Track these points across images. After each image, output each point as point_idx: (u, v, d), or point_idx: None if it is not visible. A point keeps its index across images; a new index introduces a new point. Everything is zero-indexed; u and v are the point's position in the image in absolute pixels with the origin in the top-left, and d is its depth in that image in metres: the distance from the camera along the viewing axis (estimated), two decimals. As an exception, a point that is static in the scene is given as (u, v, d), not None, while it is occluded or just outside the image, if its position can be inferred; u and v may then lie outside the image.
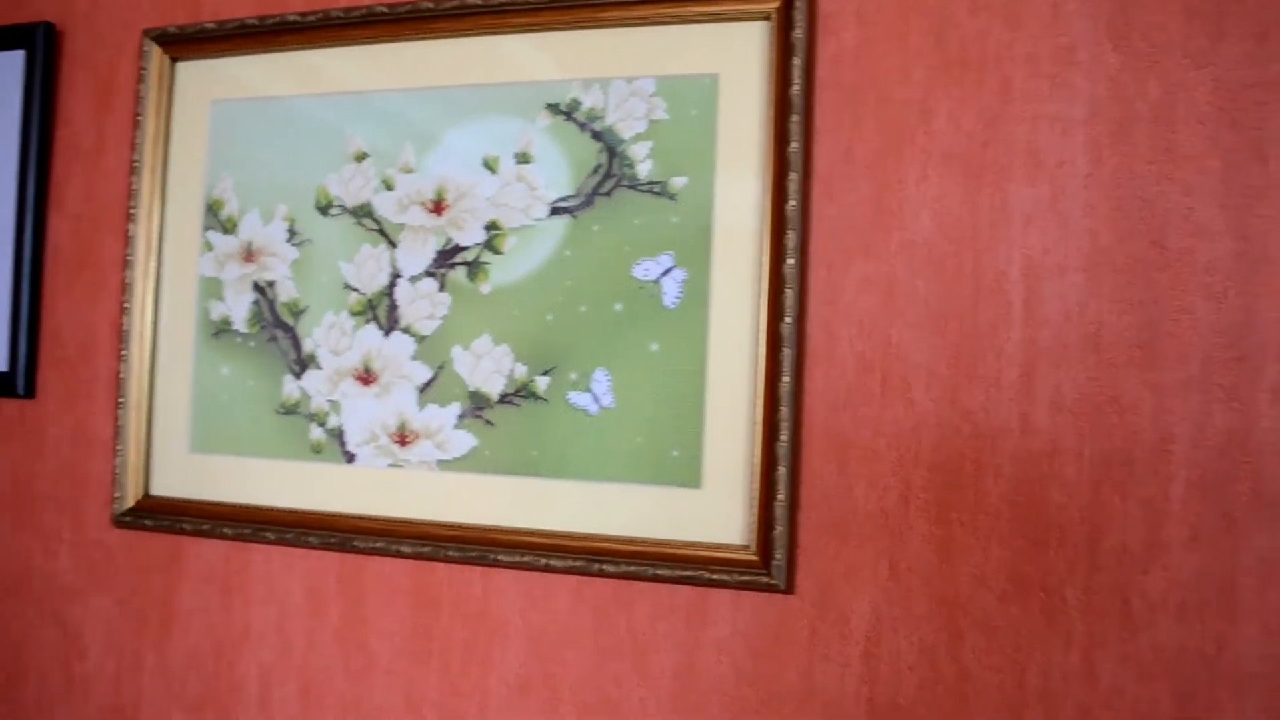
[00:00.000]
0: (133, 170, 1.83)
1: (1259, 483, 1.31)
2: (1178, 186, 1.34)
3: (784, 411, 1.44)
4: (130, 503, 1.81)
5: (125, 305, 1.82)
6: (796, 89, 1.45)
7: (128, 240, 1.83)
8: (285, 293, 1.73)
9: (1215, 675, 1.31)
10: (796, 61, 1.45)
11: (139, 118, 1.83)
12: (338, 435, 1.68)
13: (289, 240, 1.73)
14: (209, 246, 1.79)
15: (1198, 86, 1.34)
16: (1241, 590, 1.31)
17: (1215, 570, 1.32)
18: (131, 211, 1.83)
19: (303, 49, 1.74)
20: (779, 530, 1.44)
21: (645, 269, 1.52)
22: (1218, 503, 1.32)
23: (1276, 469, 1.30)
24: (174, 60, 1.82)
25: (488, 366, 1.59)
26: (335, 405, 1.69)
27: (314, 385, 1.70)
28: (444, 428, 1.62)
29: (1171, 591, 1.33)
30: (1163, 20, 1.35)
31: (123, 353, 1.82)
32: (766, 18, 1.47)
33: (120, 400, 1.81)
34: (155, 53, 1.82)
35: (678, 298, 1.50)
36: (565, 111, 1.58)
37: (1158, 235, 1.35)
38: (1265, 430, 1.31)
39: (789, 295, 1.44)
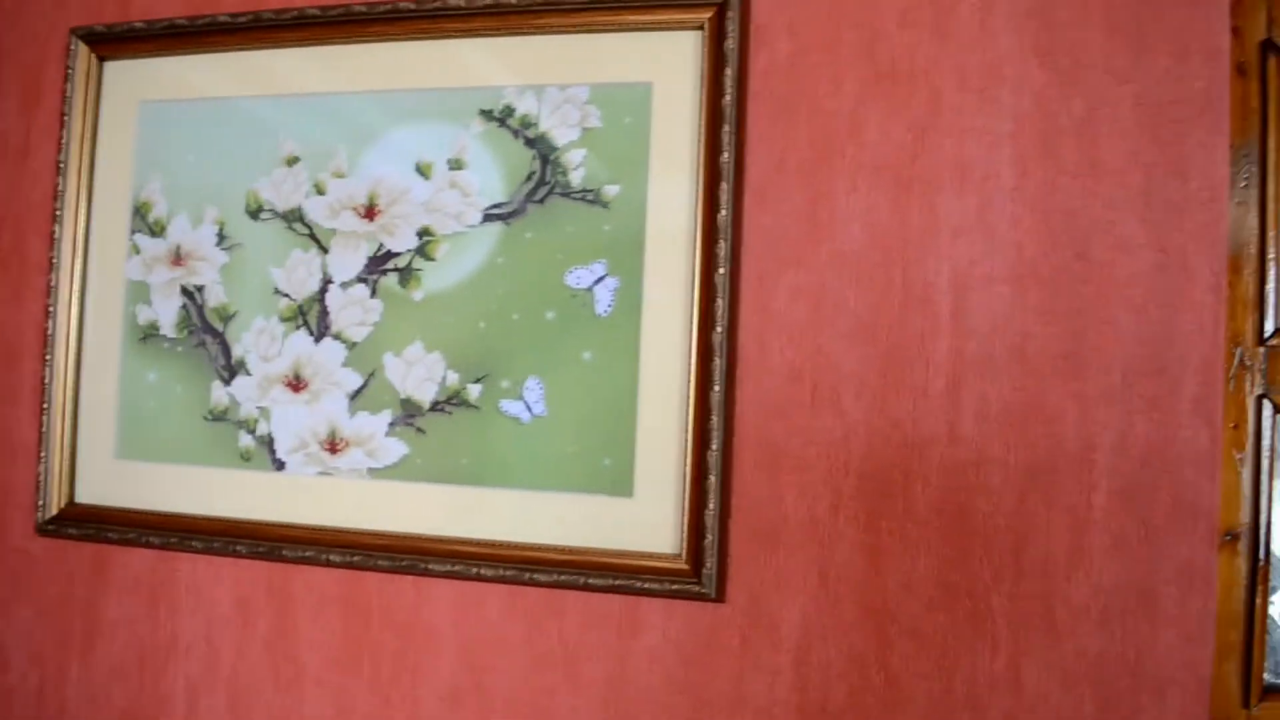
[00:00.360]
0: (59, 171, 1.80)
1: (1179, 492, 1.33)
2: (1100, 200, 1.36)
3: (715, 420, 1.44)
4: (54, 510, 1.77)
5: (50, 308, 1.79)
6: (729, 99, 1.45)
7: (53, 242, 1.79)
8: (214, 297, 1.70)
9: (1137, 681, 1.34)
10: (729, 72, 1.45)
11: (65, 117, 1.79)
12: (267, 442, 1.66)
13: (218, 244, 1.70)
14: (136, 249, 1.75)
15: (1120, 102, 1.36)
16: (1162, 598, 1.33)
17: (1136, 578, 1.34)
18: (57, 213, 1.79)
19: (234, 50, 1.71)
20: (710, 539, 1.44)
21: (578, 277, 1.52)
22: (1139, 511, 1.34)
23: (1196, 478, 1.33)
24: (102, 59, 1.79)
25: (419, 374, 1.58)
26: (265, 412, 1.66)
27: (243, 392, 1.67)
28: (375, 435, 1.60)
29: (1094, 599, 1.35)
30: (1086, 37, 1.38)
31: (47, 357, 1.78)
32: (700, 28, 1.48)
33: (44, 405, 1.78)
34: (83, 51, 1.79)
35: (610, 306, 1.50)
36: (499, 118, 1.57)
37: (1081, 248, 1.37)
38: (1184, 441, 1.33)
39: (720, 304, 1.44)
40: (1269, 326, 1.41)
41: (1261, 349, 1.41)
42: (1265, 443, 1.40)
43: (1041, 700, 1.36)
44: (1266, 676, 1.40)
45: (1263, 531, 1.39)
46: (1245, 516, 1.39)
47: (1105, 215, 1.36)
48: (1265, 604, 1.40)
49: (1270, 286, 1.42)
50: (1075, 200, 1.37)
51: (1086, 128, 1.37)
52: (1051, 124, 1.39)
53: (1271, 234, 1.42)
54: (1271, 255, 1.42)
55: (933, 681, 1.39)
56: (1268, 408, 1.40)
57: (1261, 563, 1.39)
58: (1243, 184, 1.41)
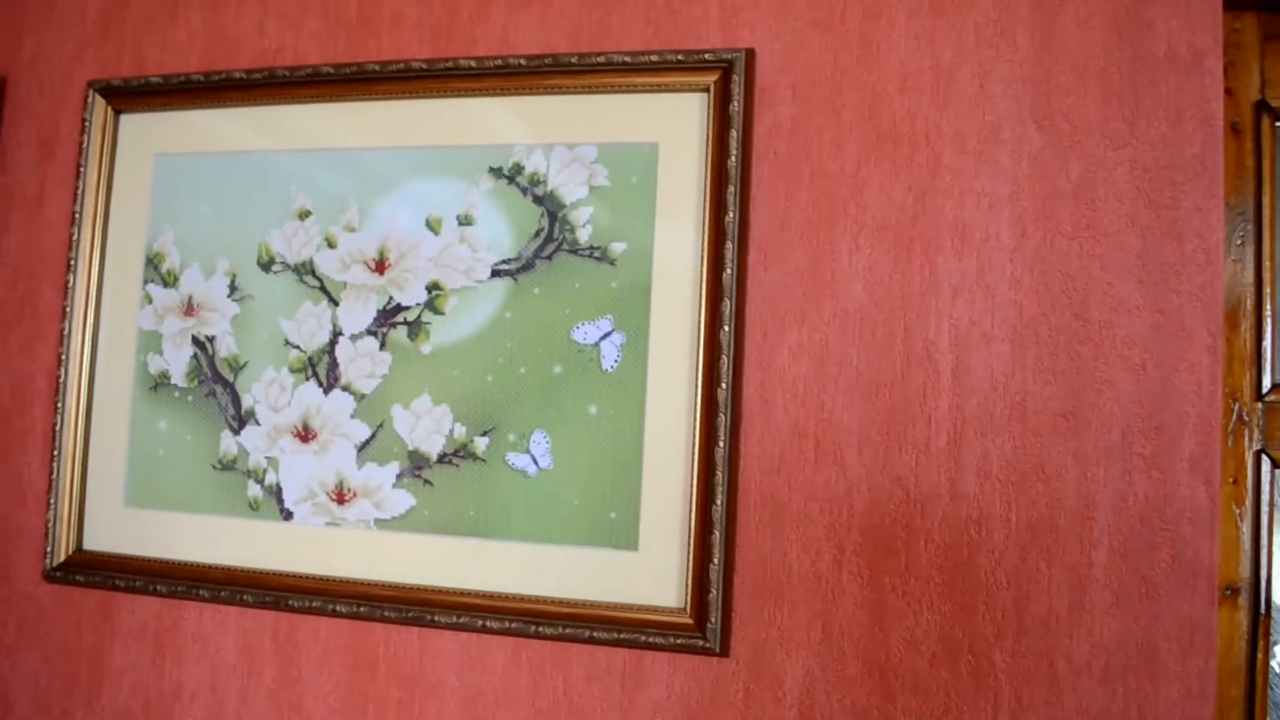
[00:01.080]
0: (73, 221, 1.82)
1: (1178, 549, 1.35)
2: (1098, 262, 1.39)
3: (719, 475, 1.46)
4: (62, 557, 1.78)
5: (62, 357, 1.81)
6: (734, 160, 1.48)
7: (66, 291, 1.82)
8: (225, 348, 1.72)
9: (1138, 737, 1.34)
10: (734, 133, 1.48)
11: (81, 168, 1.82)
12: (275, 492, 1.67)
13: (230, 295, 1.73)
14: (149, 299, 1.78)
15: (1117, 166, 1.39)
16: (1163, 654, 1.34)
17: (1137, 635, 1.35)
18: (71, 262, 1.81)
19: (248, 105, 1.74)
20: (714, 593, 1.45)
21: (584, 332, 1.54)
22: (1139, 569, 1.36)
23: (1195, 535, 1.35)
24: (118, 112, 1.82)
25: (427, 426, 1.60)
26: (273, 462, 1.68)
27: (252, 441, 1.69)
28: (382, 486, 1.62)
29: (1095, 655, 1.36)
30: (1083, 102, 1.41)
31: (58, 404, 1.80)
32: (705, 90, 1.51)
33: (54, 452, 1.79)
34: (99, 104, 1.82)
35: (616, 361, 1.52)
36: (508, 175, 1.60)
37: (1080, 308, 1.39)
38: (1183, 498, 1.35)
39: (725, 361, 1.47)
40: (1266, 382, 1.44)
41: (1259, 404, 1.43)
42: (1264, 497, 1.42)
43: (1043, 757, 1.37)
44: (1269, 729, 1.42)
45: (1263, 585, 1.41)
46: (1245, 570, 1.41)
47: (1103, 276, 1.39)
48: (1266, 658, 1.41)
49: (1267, 343, 1.44)
50: (1073, 261, 1.40)
51: (1084, 190, 1.40)
52: (1050, 186, 1.41)
53: (1269, 291, 1.45)
54: (1268, 312, 1.45)
55: (935, 737, 1.40)
56: (1266, 462, 1.42)
57: (1262, 615, 1.40)
58: (1238, 241, 1.44)
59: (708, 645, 1.45)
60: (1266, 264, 1.46)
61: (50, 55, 1.91)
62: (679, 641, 1.46)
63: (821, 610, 1.45)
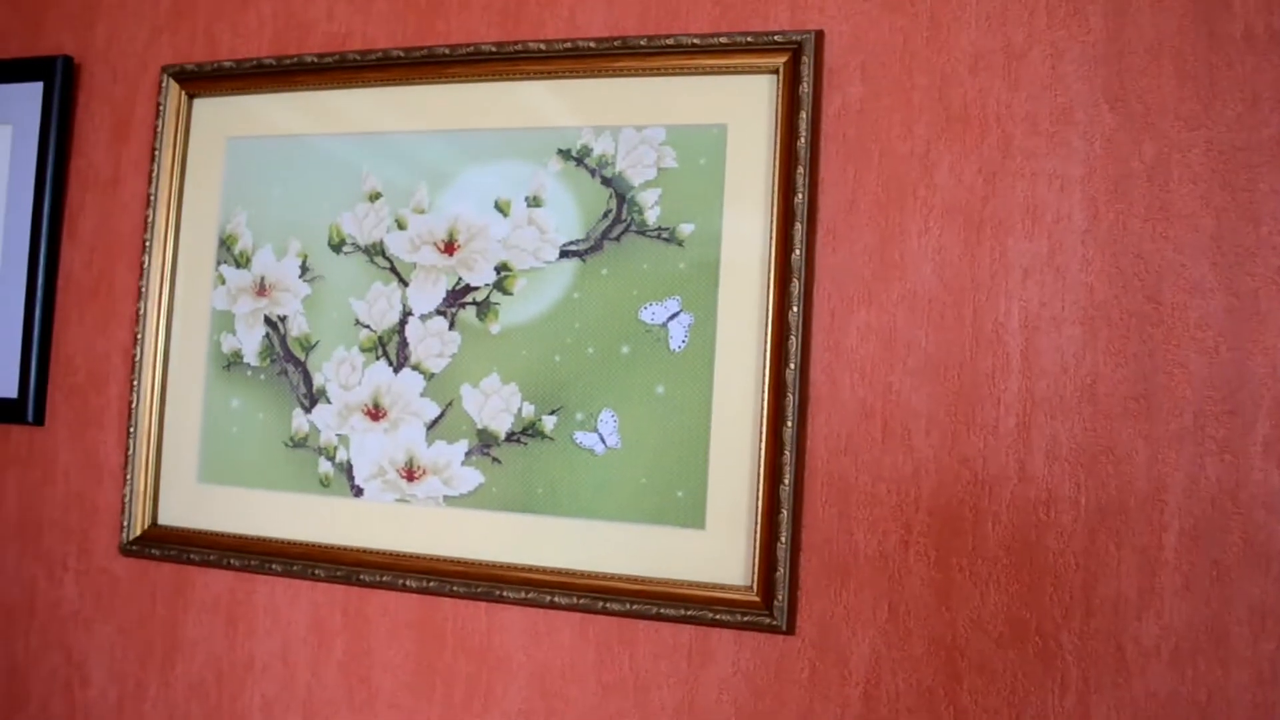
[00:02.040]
0: (148, 203, 1.87)
1: (1250, 533, 1.34)
2: (1171, 244, 1.38)
3: (787, 455, 1.47)
4: (138, 531, 1.83)
5: (137, 335, 1.85)
6: (802, 141, 1.49)
7: (141, 271, 1.86)
8: (297, 328, 1.76)
9: (1207, 721, 1.34)
10: (803, 115, 1.49)
11: (155, 151, 1.87)
12: (346, 469, 1.71)
13: (301, 276, 1.76)
14: (222, 280, 1.82)
15: (1191, 148, 1.38)
16: (1233, 639, 1.34)
17: (1207, 618, 1.35)
18: (146, 243, 1.86)
19: (319, 89, 1.77)
20: (781, 572, 1.47)
21: (652, 313, 1.56)
22: (1210, 552, 1.35)
23: (1267, 520, 1.34)
24: (191, 96, 1.86)
25: (495, 405, 1.62)
26: (344, 440, 1.71)
27: (323, 419, 1.73)
28: (451, 464, 1.64)
29: (1165, 639, 1.36)
30: (1157, 84, 1.40)
31: (133, 382, 1.85)
32: (774, 71, 1.52)
33: (130, 429, 1.84)
34: (173, 89, 1.86)
35: (684, 342, 1.54)
36: (576, 157, 1.62)
37: (1152, 291, 1.39)
38: (1256, 483, 1.34)
39: (793, 341, 1.48)
40: (1339, 368, 1.42)
41: (1332, 391, 1.42)
42: (1335, 484, 1.40)
43: (1110, 739, 1.37)
44: (1334, 719, 1.41)
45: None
46: (1314, 558, 1.40)
47: (1176, 258, 1.38)
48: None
49: (1340, 328, 1.42)
50: (1146, 243, 1.39)
51: (1157, 172, 1.40)
52: (1122, 168, 1.41)
53: (1340, 275, 1.42)
54: (1341, 297, 1.42)
55: (1002, 717, 1.40)
56: (1338, 449, 1.41)
57: (1330, 605, 1.39)
58: (1312, 226, 1.42)
59: (774, 623, 1.47)
60: (1338, 249, 1.44)
61: (123, 40, 1.96)
62: (745, 619, 1.48)
63: (888, 590, 1.46)
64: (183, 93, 1.86)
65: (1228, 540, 1.35)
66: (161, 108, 1.87)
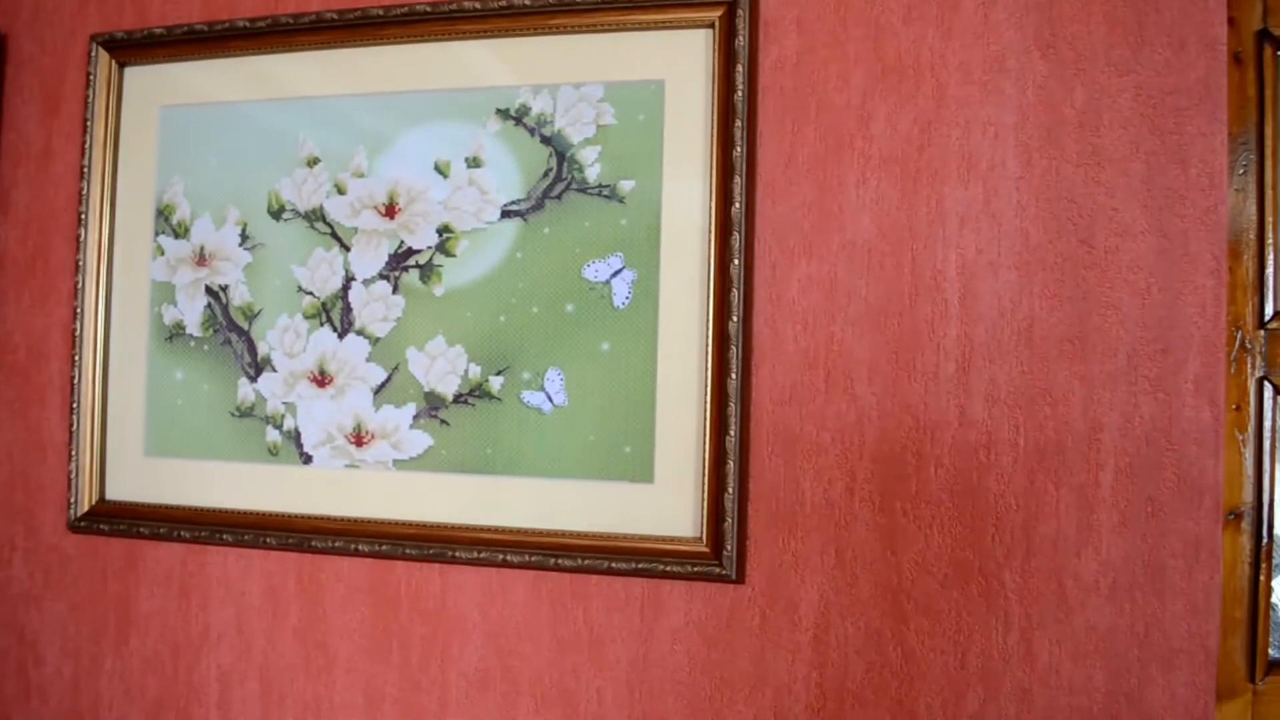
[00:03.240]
0: (82, 175, 1.83)
1: (1183, 469, 1.38)
2: (1103, 188, 1.41)
3: (732, 408, 1.48)
4: (85, 507, 1.81)
5: (76, 310, 1.82)
6: (740, 95, 1.49)
7: (78, 245, 1.83)
8: (239, 296, 1.74)
9: (1145, 652, 1.38)
10: (739, 68, 1.49)
11: (87, 123, 1.83)
12: (294, 437, 1.70)
13: (242, 244, 1.74)
14: (160, 251, 1.79)
15: (1121, 93, 1.40)
16: (1169, 571, 1.38)
17: (1143, 553, 1.39)
18: (81, 216, 1.83)
19: (253, 54, 1.75)
20: (729, 522, 1.48)
21: (595, 270, 1.56)
22: (1145, 488, 1.39)
23: (1199, 455, 1.37)
24: (121, 65, 1.82)
25: (442, 367, 1.62)
26: (291, 407, 1.70)
27: (269, 388, 1.72)
28: (400, 428, 1.64)
29: (1103, 574, 1.40)
30: (1087, 30, 1.42)
31: (75, 358, 1.82)
32: (710, 25, 1.51)
33: (73, 405, 1.82)
34: (103, 58, 1.82)
35: (627, 298, 1.54)
36: (515, 116, 1.61)
37: (1085, 234, 1.41)
38: (1188, 419, 1.38)
39: (735, 295, 1.49)
40: (1269, 310, 1.46)
41: (1262, 332, 1.45)
42: (1267, 424, 1.44)
43: (1053, 673, 1.40)
44: (1272, 652, 1.45)
45: (1265, 511, 1.44)
46: (1248, 496, 1.44)
47: (1108, 202, 1.41)
48: (1269, 582, 1.44)
49: (1270, 271, 1.46)
50: (1079, 188, 1.42)
51: (1088, 118, 1.42)
52: (1054, 114, 1.43)
53: (1270, 220, 1.46)
54: (1270, 241, 1.46)
55: (948, 656, 1.44)
56: (1269, 390, 1.44)
57: (1265, 542, 1.43)
58: (1241, 171, 1.45)
59: (724, 573, 1.49)
60: (1269, 193, 1.47)
61: (50, 10, 1.91)
62: (696, 570, 1.50)
63: (835, 536, 1.48)
64: (113, 62, 1.82)
65: (1162, 476, 1.38)
66: (92, 78, 1.83)
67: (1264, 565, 1.44)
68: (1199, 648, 1.37)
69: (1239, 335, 1.45)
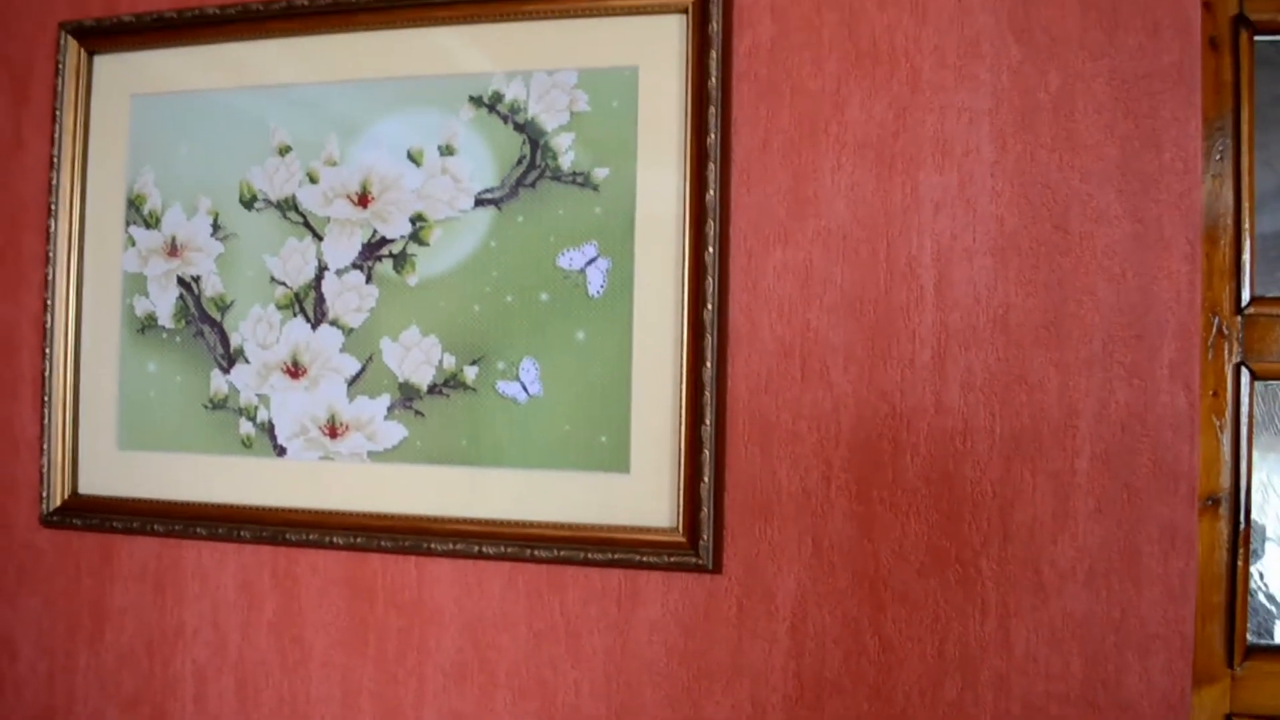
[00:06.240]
0: (52, 165, 1.81)
1: (1159, 454, 1.38)
2: (1078, 173, 1.40)
3: (708, 396, 1.48)
4: (58, 502, 1.79)
5: (47, 302, 1.80)
6: (714, 81, 1.48)
7: (48, 236, 1.81)
8: (211, 287, 1.72)
9: (1122, 638, 1.38)
10: (713, 54, 1.48)
11: (57, 112, 1.81)
12: (268, 429, 1.69)
13: (213, 234, 1.73)
14: (132, 241, 1.77)
15: (1095, 77, 1.40)
16: (1144, 557, 1.38)
17: (1120, 539, 1.38)
18: (51, 207, 1.81)
19: (223, 42, 1.73)
20: (705, 512, 1.48)
21: (570, 259, 1.55)
22: (1120, 474, 1.39)
23: (1174, 441, 1.37)
24: (91, 54, 1.80)
25: (416, 358, 1.61)
26: (264, 399, 1.69)
27: (242, 379, 1.70)
28: (374, 419, 1.63)
29: (1080, 560, 1.39)
30: (1061, 14, 1.41)
31: (46, 350, 1.80)
32: (684, 11, 1.50)
33: (45, 399, 1.80)
34: (72, 46, 1.80)
35: (602, 287, 1.53)
36: (488, 104, 1.59)
37: (1060, 220, 1.41)
38: (1163, 405, 1.38)
39: (710, 283, 1.48)
40: (1245, 296, 1.45)
41: (1238, 318, 1.45)
42: (1244, 410, 1.44)
43: (1031, 660, 1.40)
44: (1249, 637, 1.45)
45: (1242, 497, 1.44)
46: (1225, 482, 1.44)
47: (1083, 188, 1.40)
48: (1246, 567, 1.44)
49: (1246, 257, 1.46)
50: (1053, 173, 1.41)
51: (1063, 103, 1.41)
52: (1029, 99, 1.42)
53: (1246, 205, 1.46)
54: (1246, 226, 1.46)
55: (925, 644, 1.44)
56: (1245, 375, 1.44)
57: (1243, 527, 1.43)
58: (1217, 157, 1.45)
59: (701, 563, 1.48)
60: (1244, 179, 1.47)
61: (18, -2, 1.89)
62: (672, 560, 1.49)
63: (811, 525, 1.48)
64: (82, 50, 1.80)
65: (1137, 462, 1.38)
66: (61, 66, 1.81)
67: (1241, 550, 1.44)
68: (1175, 633, 1.37)
69: (1215, 321, 1.45)
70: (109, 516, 1.76)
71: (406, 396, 1.62)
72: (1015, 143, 1.42)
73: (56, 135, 1.81)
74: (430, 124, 1.62)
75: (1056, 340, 1.40)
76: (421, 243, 1.61)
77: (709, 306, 1.48)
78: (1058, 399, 1.40)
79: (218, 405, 1.71)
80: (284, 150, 1.69)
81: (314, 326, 1.66)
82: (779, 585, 1.48)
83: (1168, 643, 1.37)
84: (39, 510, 1.82)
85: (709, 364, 1.48)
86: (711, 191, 1.48)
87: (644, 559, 1.50)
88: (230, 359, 1.71)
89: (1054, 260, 1.41)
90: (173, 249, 1.75)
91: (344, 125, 1.66)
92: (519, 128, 1.58)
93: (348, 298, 1.65)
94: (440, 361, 1.60)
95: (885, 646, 1.45)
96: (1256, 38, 1.48)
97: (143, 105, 1.78)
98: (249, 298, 1.70)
